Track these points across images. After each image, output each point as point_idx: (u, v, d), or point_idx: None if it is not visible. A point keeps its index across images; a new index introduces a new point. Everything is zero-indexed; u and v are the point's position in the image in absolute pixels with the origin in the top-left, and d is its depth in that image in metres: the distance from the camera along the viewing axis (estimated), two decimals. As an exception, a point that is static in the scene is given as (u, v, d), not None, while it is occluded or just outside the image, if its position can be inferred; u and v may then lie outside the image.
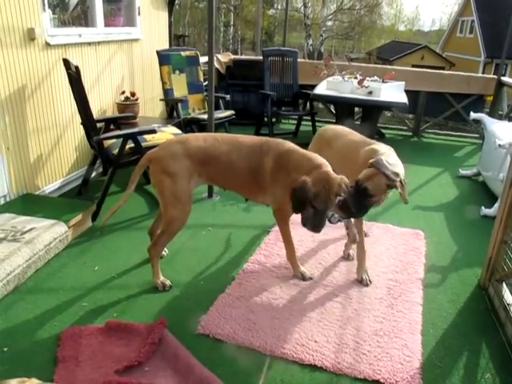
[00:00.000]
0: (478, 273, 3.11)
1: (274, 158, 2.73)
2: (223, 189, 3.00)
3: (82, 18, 4.33)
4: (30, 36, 3.45)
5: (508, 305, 2.62)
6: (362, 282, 2.92)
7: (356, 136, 3.17)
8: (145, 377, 2.09)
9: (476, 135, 7.08)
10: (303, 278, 2.94)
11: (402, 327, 2.54)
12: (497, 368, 2.31)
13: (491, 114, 6.39)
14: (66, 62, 3.54)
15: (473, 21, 25.65)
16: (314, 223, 2.61)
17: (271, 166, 2.72)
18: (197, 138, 2.81)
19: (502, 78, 6.73)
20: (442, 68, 21.43)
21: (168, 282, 2.80)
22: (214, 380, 2.06)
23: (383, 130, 6.99)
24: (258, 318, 2.54)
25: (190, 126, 5.14)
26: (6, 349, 2.24)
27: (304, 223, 2.64)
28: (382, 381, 2.16)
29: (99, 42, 4.32)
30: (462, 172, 5.30)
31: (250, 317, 2.55)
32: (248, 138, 2.87)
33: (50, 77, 3.76)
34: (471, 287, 3.02)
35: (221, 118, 5.01)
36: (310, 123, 6.13)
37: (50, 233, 3.07)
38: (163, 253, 3.09)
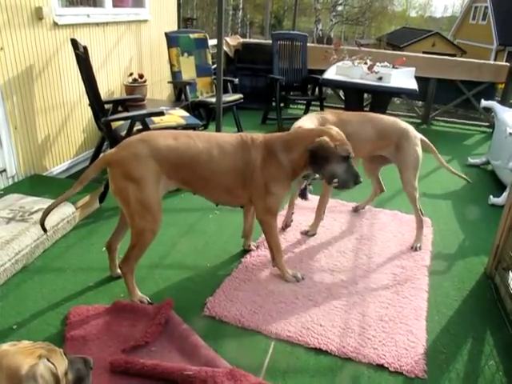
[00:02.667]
0: (485, 261, 3.10)
1: (261, 149, 2.50)
2: (193, 193, 2.62)
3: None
4: (38, 15, 3.43)
5: (514, 293, 2.61)
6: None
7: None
8: (151, 357, 2.11)
9: (486, 124, 7.01)
10: (297, 279, 2.76)
11: (408, 313, 2.55)
12: (501, 355, 2.31)
13: (502, 102, 6.30)
14: (74, 43, 3.52)
15: (486, 7, 25.23)
16: (353, 174, 2.48)
17: (261, 159, 2.49)
18: (164, 136, 2.40)
19: (515, 66, 6.64)
20: (454, 55, 21.13)
21: (145, 299, 2.50)
22: (219, 361, 2.07)
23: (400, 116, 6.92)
24: (264, 302, 2.55)
25: (197, 109, 5.12)
26: (15, 326, 2.27)
27: (343, 184, 2.50)
28: (386, 365, 2.17)
29: (107, 23, 4.29)
30: (471, 160, 5.26)
31: (256, 300, 2.57)
32: (226, 135, 2.60)
33: (58, 57, 3.74)
34: (477, 275, 3.02)
35: (229, 102, 4.98)
36: (319, 109, 6.08)
37: (57, 214, 3.09)
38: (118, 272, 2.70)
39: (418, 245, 3.24)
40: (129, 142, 2.37)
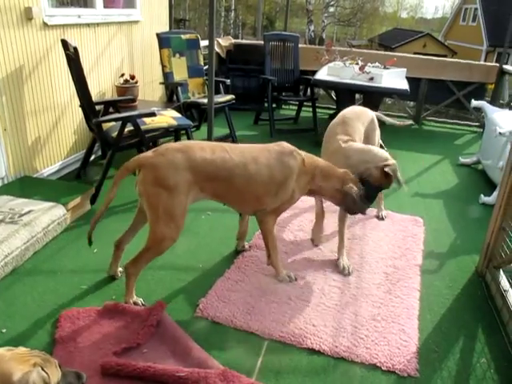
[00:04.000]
0: (476, 260, 3.12)
1: (301, 161, 2.63)
2: (223, 204, 2.70)
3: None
4: (28, 15, 3.40)
5: (505, 291, 2.63)
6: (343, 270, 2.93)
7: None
8: (143, 358, 2.10)
9: (477, 123, 7.05)
10: (290, 280, 2.78)
11: (400, 312, 2.55)
12: (492, 353, 2.33)
13: (492, 103, 6.35)
14: (65, 43, 3.50)
15: (476, 9, 25.42)
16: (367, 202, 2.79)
17: (297, 171, 2.61)
18: (202, 148, 2.43)
19: (504, 66, 6.68)
20: (444, 56, 21.26)
21: (140, 301, 2.49)
22: (211, 362, 2.07)
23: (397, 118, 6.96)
24: (257, 302, 2.55)
25: (189, 110, 5.11)
26: (4, 330, 2.25)
27: (358, 211, 2.81)
28: (378, 365, 2.17)
29: (98, 24, 4.27)
30: (462, 160, 5.29)
31: (248, 300, 2.56)
32: (258, 146, 2.67)
33: (48, 58, 3.72)
34: (469, 274, 3.03)
35: (221, 103, 4.97)
36: (311, 109, 6.09)
37: (48, 215, 3.07)
38: (118, 272, 2.72)
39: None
40: (166, 148, 2.38)
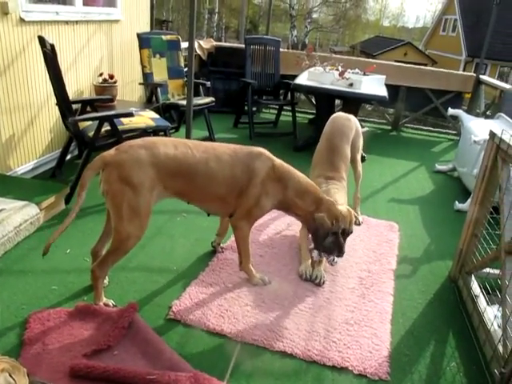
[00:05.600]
0: (449, 265, 3.16)
1: (271, 165, 2.57)
2: (187, 202, 2.63)
3: (60, -6, 4.21)
4: (3, 10, 3.33)
5: (475, 296, 2.67)
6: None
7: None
8: (114, 361, 2.07)
9: (453, 132, 7.18)
10: (264, 283, 2.76)
11: (373, 316, 2.57)
12: (462, 357, 2.36)
13: (469, 111, 6.47)
14: (42, 40, 3.44)
15: (456, 20, 25.91)
16: (339, 246, 2.69)
17: (264, 175, 2.53)
18: (165, 144, 2.40)
19: (481, 77, 6.83)
20: (425, 65, 21.60)
21: (111, 303, 2.46)
22: (183, 365, 2.05)
23: (363, 124, 7.02)
24: (230, 305, 2.54)
25: (168, 111, 5.08)
26: (-30, 330, 2.20)
27: (327, 251, 2.70)
28: (350, 368, 2.18)
29: (77, 21, 4.21)
30: (438, 167, 5.37)
31: (222, 303, 2.55)
32: (224, 145, 2.62)
33: (25, 55, 3.65)
34: (442, 279, 3.07)
35: (200, 105, 4.96)
36: (291, 113, 6.12)
37: (20, 214, 3.01)
38: (105, 281, 2.60)
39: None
40: (130, 146, 2.35)
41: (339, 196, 3.03)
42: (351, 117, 3.58)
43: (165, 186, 2.40)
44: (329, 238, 2.65)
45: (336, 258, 2.78)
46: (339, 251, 2.70)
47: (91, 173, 2.31)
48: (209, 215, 2.80)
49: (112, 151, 2.33)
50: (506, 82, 16.03)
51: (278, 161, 2.65)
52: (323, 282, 2.84)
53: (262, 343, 2.28)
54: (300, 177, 2.68)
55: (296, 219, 2.83)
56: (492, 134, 2.68)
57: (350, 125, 3.49)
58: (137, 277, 2.75)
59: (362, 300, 2.72)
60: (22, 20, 3.54)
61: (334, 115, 3.62)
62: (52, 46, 3.27)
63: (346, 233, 2.76)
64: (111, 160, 2.28)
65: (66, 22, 4.07)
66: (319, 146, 3.43)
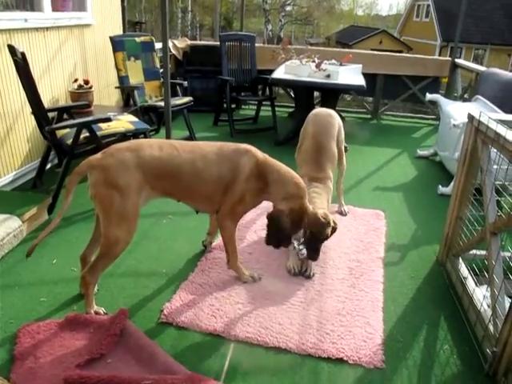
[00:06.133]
0: (437, 249, 3.19)
1: (255, 162, 2.55)
2: (177, 201, 2.62)
3: (27, 0, 4.11)
4: (-30, 20, 3.27)
5: (464, 278, 2.70)
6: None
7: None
8: (107, 369, 2.05)
9: (433, 117, 7.24)
10: (254, 280, 2.77)
11: (364, 305, 2.58)
12: (454, 339, 2.38)
13: (446, 96, 6.54)
14: (12, 49, 3.37)
15: (428, 5, 26.12)
16: (313, 251, 2.72)
17: (248, 172, 2.52)
18: (151, 146, 2.39)
19: (456, 60, 6.90)
20: (400, 52, 21.78)
21: (102, 310, 2.43)
22: (178, 368, 2.03)
23: (343, 114, 7.05)
24: (222, 304, 2.53)
25: (147, 113, 5.03)
26: (-42, 349, 2.15)
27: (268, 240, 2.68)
28: (345, 358, 2.19)
29: (47, 28, 4.14)
30: (420, 152, 5.41)
31: (213, 303, 2.54)
32: (211, 144, 2.61)
33: (-4, 65, 3.58)
34: (430, 263, 3.10)
35: (179, 105, 4.91)
36: (270, 108, 6.11)
37: (2, 228, 2.95)
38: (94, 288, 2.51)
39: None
40: (116, 149, 2.33)
41: (320, 200, 2.99)
42: (332, 112, 3.56)
43: (152, 187, 2.38)
44: (281, 234, 2.62)
45: (304, 250, 2.79)
46: (312, 255, 2.75)
47: (77, 177, 2.29)
48: (197, 213, 2.78)
49: (98, 155, 2.32)
50: (481, 64, 16.22)
51: (262, 156, 2.63)
52: (313, 275, 2.85)
53: (256, 340, 2.28)
54: (280, 170, 2.63)
55: None
56: (471, 117, 2.70)
57: (333, 121, 3.46)
58: (126, 282, 2.72)
59: (353, 290, 2.73)
60: (-11, 29, 3.46)
61: (315, 111, 3.59)
62: (23, 54, 3.21)
63: (316, 237, 2.72)
64: (97, 164, 2.27)
65: (36, 29, 4.00)
66: (305, 144, 3.37)
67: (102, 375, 1.96)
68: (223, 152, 2.54)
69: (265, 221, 3.36)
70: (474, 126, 2.64)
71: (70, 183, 2.28)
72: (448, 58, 7.08)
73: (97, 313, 2.42)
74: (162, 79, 5.24)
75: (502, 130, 2.28)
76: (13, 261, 2.89)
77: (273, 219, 2.60)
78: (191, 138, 5.26)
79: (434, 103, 6.60)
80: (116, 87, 5.20)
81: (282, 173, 2.62)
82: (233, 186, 2.52)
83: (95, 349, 2.14)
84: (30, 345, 2.19)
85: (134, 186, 2.29)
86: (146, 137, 4.21)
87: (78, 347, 2.19)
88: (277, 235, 2.62)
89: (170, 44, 6.67)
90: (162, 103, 4.68)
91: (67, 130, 3.58)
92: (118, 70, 4.94)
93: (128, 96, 4.97)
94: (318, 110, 3.60)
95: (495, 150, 2.41)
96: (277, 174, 2.60)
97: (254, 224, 3.49)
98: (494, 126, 2.34)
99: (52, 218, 3.41)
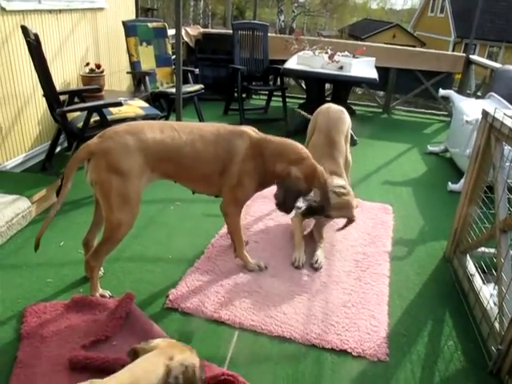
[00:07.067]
0: (444, 245, 3.17)
1: (249, 143, 2.51)
2: (174, 181, 2.59)
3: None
4: (-16, 0, 3.27)
5: (471, 275, 2.69)
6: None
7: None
8: (112, 351, 2.06)
9: (445, 113, 7.17)
10: (260, 269, 2.76)
11: (370, 298, 2.58)
12: (459, 336, 2.37)
13: (459, 92, 6.46)
14: (25, 30, 3.37)
15: (444, 0, 25.78)
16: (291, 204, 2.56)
17: (243, 153, 2.48)
18: (152, 128, 2.35)
19: (471, 57, 6.80)
20: (413, 47, 21.55)
21: (107, 293, 2.45)
22: (182, 353, 2.04)
23: (354, 107, 7.00)
24: (227, 292, 2.53)
25: (158, 100, 5.03)
26: (-34, 326, 2.17)
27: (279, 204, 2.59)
28: (349, 350, 2.19)
29: (60, 10, 4.13)
30: (430, 148, 5.37)
31: (218, 290, 2.54)
32: (209, 125, 2.60)
33: (8, 45, 3.57)
34: (437, 259, 3.09)
35: (189, 92, 4.91)
36: (281, 99, 6.08)
37: (11, 208, 2.97)
38: (100, 272, 2.54)
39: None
40: (114, 132, 2.27)
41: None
42: (343, 109, 3.53)
43: (152, 170, 2.35)
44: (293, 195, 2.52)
45: (301, 205, 2.65)
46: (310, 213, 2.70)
47: (76, 163, 2.26)
48: (194, 193, 2.74)
49: (96, 139, 2.25)
50: (496, 61, 16.05)
51: (257, 136, 2.58)
52: (321, 267, 2.84)
53: (261, 329, 2.28)
54: (274, 142, 2.57)
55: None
56: (485, 113, 2.67)
57: (344, 118, 3.42)
58: (132, 267, 2.73)
59: (359, 282, 2.72)
60: (3, 9, 3.45)
61: (326, 106, 3.54)
62: (36, 35, 3.21)
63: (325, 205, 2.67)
64: (97, 148, 2.21)
65: (49, 11, 3.99)
66: (314, 139, 3.36)
67: (106, 357, 1.97)
68: (220, 132, 2.51)
69: (270, 209, 3.35)
70: (488, 122, 2.61)
71: (68, 169, 2.25)
72: (462, 54, 7.00)
73: (102, 296, 2.43)
74: (173, 66, 5.22)
75: (516, 126, 2.25)
76: (21, 241, 2.91)
77: (284, 183, 2.50)
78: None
79: (446, 99, 6.54)
80: (128, 72, 5.19)
81: (276, 144, 2.57)
82: (229, 167, 2.49)
83: (101, 331, 2.15)
84: (37, 324, 2.21)
85: (136, 169, 2.25)
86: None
87: (83, 329, 2.21)
88: (289, 199, 2.53)
89: (183, 31, 6.63)
90: (172, 90, 4.67)
91: (78, 114, 3.58)
92: (130, 55, 4.93)
93: (139, 81, 4.96)
94: (330, 105, 3.57)
95: (508, 147, 2.39)
96: (272, 146, 2.55)
97: (260, 213, 3.48)
98: (508, 122, 2.31)
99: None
